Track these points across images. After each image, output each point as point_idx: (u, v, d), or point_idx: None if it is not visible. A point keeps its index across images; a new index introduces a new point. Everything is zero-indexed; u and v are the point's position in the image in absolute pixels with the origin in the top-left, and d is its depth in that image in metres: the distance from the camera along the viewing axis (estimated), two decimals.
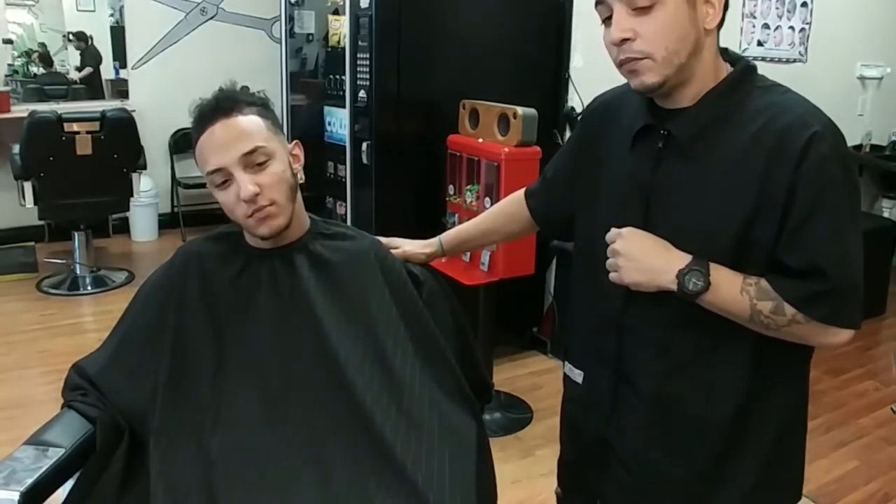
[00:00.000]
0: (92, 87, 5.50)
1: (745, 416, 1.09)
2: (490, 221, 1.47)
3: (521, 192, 1.43)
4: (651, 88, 1.03)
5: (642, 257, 1.05)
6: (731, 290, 1.01)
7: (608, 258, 1.09)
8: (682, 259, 1.03)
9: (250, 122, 1.22)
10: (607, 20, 1.03)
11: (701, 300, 1.02)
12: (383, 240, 1.39)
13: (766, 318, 1.01)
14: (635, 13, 0.99)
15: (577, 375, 1.25)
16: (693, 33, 1.00)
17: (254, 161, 1.20)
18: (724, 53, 1.07)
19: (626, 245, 1.06)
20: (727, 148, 1.02)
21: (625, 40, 1.00)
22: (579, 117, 1.25)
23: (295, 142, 1.32)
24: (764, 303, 1.00)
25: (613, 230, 1.08)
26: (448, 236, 1.48)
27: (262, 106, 1.25)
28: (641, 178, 1.09)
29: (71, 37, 5.46)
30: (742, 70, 1.06)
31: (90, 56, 5.52)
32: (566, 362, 1.29)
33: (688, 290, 1.01)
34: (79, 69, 5.54)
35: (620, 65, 1.04)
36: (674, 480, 1.14)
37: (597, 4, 1.04)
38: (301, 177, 1.29)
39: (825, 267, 0.97)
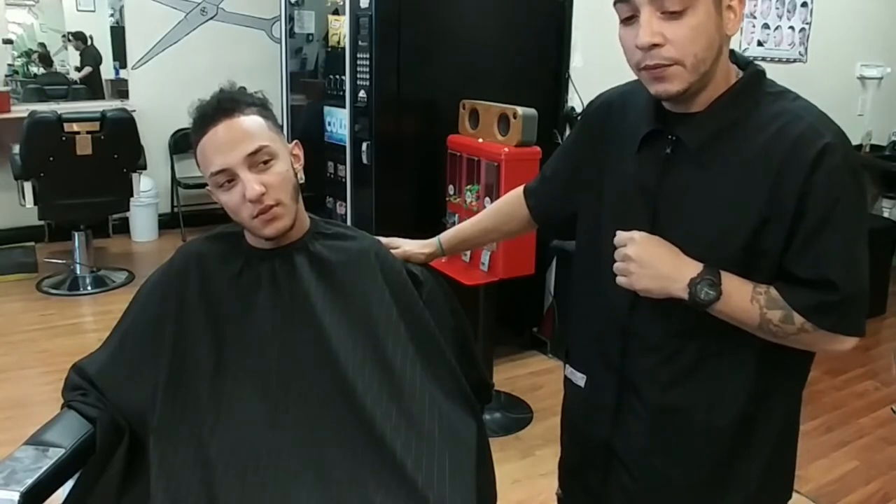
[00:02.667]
0: (92, 87, 5.50)
1: (749, 421, 1.09)
2: (489, 220, 1.47)
3: (520, 189, 1.42)
4: (674, 96, 1.00)
5: (655, 264, 1.03)
6: (741, 299, 1.00)
7: (616, 261, 1.07)
8: (693, 267, 1.02)
9: (253, 121, 1.21)
10: (628, 20, 0.99)
11: (711, 309, 1.01)
12: (383, 240, 1.39)
13: (776, 327, 1.00)
14: (665, 17, 0.95)
15: (580, 379, 1.24)
16: (718, 40, 0.98)
17: (258, 161, 1.20)
18: (731, 55, 1.06)
19: (639, 251, 1.04)
20: (737, 155, 1.01)
21: (654, 45, 0.96)
22: (580, 116, 1.24)
23: (295, 142, 1.32)
24: (774, 312, 1.00)
25: (624, 234, 1.06)
26: (447, 236, 1.47)
27: (261, 106, 1.25)
28: (648, 183, 1.08)
29: (70, 37, 5.46)
30: (752, 76, 1.04)
31: (90, 56, 5.53)
32: (567, 365, 1.29)
33: (699, 299, 1.00)
34: (79, 69, 5.54)
35: (644, 69, 0.99)
36: (678, 485, 1.14)
37: (616, 2, 1.00)
38: (301, 177, 1.29)
39: (835, 279, 0.97)
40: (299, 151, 1.31)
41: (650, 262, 1.03)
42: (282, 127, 1.32)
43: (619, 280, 1.07)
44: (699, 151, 1.03)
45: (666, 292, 1.03)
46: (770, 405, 1.10)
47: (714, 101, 1.03)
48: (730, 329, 1.04)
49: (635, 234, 1.05)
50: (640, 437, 1.15)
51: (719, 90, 1.03)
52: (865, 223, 1.02)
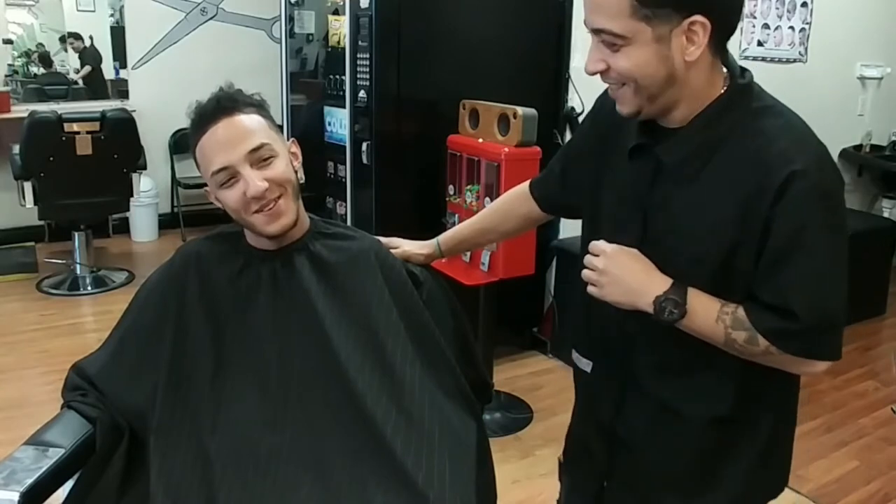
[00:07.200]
0: (92, 87, 5.49)
1: (739, 421, 1.11)
2: (486, 220, 1.47)
3: (517, 189, 1.43)
4: (628, 116, 1.04)
5: (625, 278, 1.05)
6: (706, 317, 1.02)
7: (586, 268, 1.09)
8: (661, 284, 1.03)
9: (252, 120, 1.22)
10: None
11: (678, 325, 1.03)
12: (383, 240, 1.39)
13: (741, 347, 1.02)
14: (607, 46, 0.99)
15: (586, 364, 1.25)
16: (664, 69, 0.98)
17: (260, 157, 1.20)
18: (725, 62, 1.04)
19: (609, 264, 1.06)
20: (715, 174, 1.02)
21: (596, 72, 1.01)
22: (591, 108, 1.25)
23: (292, 140, 1.32)
24: (738, 332, 1.01)
25: (599, 244, 1.08)
26: (445, 237, 1.48)
27: (259, 107, 1.26)
28: (639, 192, 1.09)
29: (68, 37, 5.46)
30: (734, 92, 1.03)
31: (90, 56, 5.52)
32: (574, 350, 1.29)
33: (663, 317, 1.02)
34: (78, 69, 5.54)
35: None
36: (674, 478, 1.17)
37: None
38: (301, 176, 1.29)
39: (795, 309, 0.97)
40: (297, 150, 1.31)
41: (620, 276, 1.06)
42: (281, 127, 1.32)
43: (590, 290, 1.09)
44: (679, 167, 1.04)
45: (634, 305, 1.05)
46: (760, 406, 1.12)
47: (696, 117, 1.03)
48: None
49: (607, 247, 1.07)
50: (640, 429, 1.17)
51: (699, 106, 1.03)
52: (839, 248, 1.01)
